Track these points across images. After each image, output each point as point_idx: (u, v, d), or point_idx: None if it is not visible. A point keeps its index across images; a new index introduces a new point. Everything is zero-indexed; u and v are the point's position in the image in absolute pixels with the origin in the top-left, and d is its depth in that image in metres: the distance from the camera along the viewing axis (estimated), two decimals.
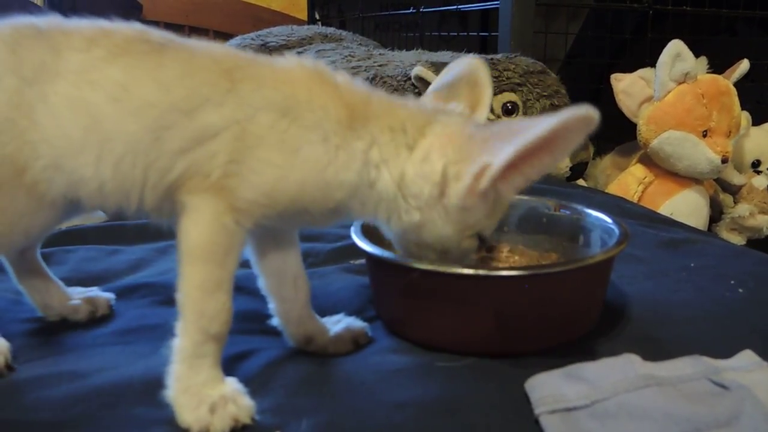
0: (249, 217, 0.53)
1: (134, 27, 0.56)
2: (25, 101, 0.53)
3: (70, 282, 0.73)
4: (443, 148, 0.54)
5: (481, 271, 0.60)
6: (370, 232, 0.66)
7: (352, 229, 0.68)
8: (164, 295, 0.75)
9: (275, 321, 0.64)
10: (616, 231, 0.67)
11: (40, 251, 0.84)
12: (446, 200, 0.54)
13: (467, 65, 0.64)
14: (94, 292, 0.72)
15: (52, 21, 0.56)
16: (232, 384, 0.53)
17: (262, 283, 0.64)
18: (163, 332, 0.64)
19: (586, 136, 0.49)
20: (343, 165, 0.54)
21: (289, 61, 0.57)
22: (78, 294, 0.70)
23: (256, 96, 0.53)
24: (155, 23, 2.39)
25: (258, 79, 0.54)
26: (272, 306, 0.64)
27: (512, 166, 0.51)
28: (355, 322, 0.65)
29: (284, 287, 0.63)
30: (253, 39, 1.93)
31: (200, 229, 0.52)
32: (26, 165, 0.53)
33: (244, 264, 0.65)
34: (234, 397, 0.51)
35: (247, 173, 0.52)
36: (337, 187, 0.54)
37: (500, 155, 0.50)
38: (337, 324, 0.65)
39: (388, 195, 0.56)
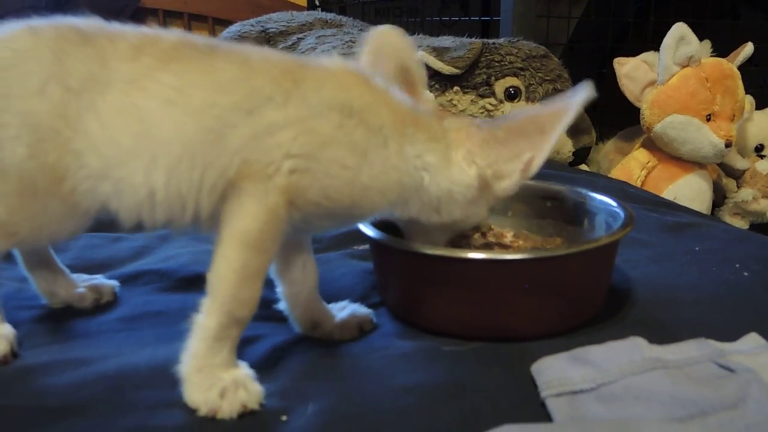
0: (301, 213, 0.53)
1: (176, 33, 0.56)
2: (70, 111, 0.52)
3: (74, 269, 0.73)
4: (468, 156, 0.57)
5: (486, 255, 0.59)
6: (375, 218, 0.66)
7: None
8: (168, 282, 0.75)
9: (282, 305, 0.64)
10: (621, 214, 0.67)
11: None
12: (488, 195, 0.59)
13: (389, 48, 0.63)
14: (99, 279, 0.72)
15: (95, 25, 0.55)
16: (244, 369, 0.53)
17: (271, 266, 0.63)
18: (167, 318, 0.65)
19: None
20: (400, 169, 0.55)
21: (334, 63, 0.57)
22: (83, 281, 0.71)
23: (320, 96, 0.53)
24: (154, 10, 2.38)
25: (319, 80, 0.54)
26: (280, 290, 0.64)
27: None
28: (360, 309, 0.65)
29: (293, 271, 0.63)
30: (252, 25, 1.91)
31: (254, 216, 0.51)
32: (66, 174, 0.53)
33: None
34: (245, 382, 0.51)
35: (320, 175, 0.52)
36: (394, 190, 0.56)
37: (542, 147, 0.56)
38: (343, 310, 0.65)
39: (435, 199, 0.58)
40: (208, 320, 0.51)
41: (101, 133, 0.52)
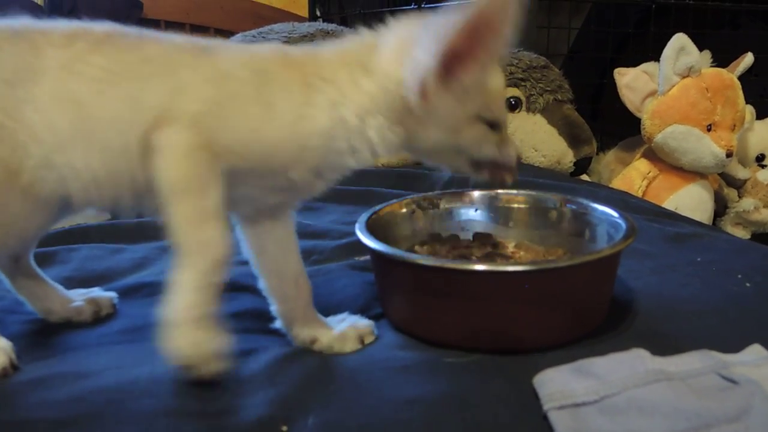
0: (224, 161, 0.54)
1: (108, 24, 0.57)
2: (9, 104, 0.53)
3: (74, 281, 0.73)
4: (395, 59, 0.56)
5: (487, 267, 0.59)
6: (375, 229, 0.66)
7: (357, 226, 0.67)
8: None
9: (278, 323, 0.64)
10: (623, 225, 0.67)
11: (43, 250, 0.84)
12: (414, 108, 0.56)
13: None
14: (96, 292, 0.72)
15: (26, 22, 0.57)
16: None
17: (263, 285, 0.64)
18: None
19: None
20: (312, 117, 0.55)
21: (253, 44, 0.61)
22: (80, 295, 0.70)
23: (230, 61, 0.56)
24: (156, 21, 2.39)
25: (231, 52, 0.58)
26: (274, 308, 0.64)
27: (459, 53, 0.53)
28: (360, 321, 0.65)
29: (286, 287, 0.63)
30: (254, 36, 1.92)
31: (175, 163, 0.53)
32: (20, 167, 0.53)
33: (245, 262, 0.65)
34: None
35: (225, 118, 0.54)
36: (313, 137, 0.56)
37: (428, 51, 0.53)
38: (342, 322, 0.64)
39: (365, 122, 0.56)
40: (187, 272, 0.52)
41: (40, 121, 0.53)
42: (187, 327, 0.52)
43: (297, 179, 0.57)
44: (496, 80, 0.59)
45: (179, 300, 0.52)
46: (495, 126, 0.60)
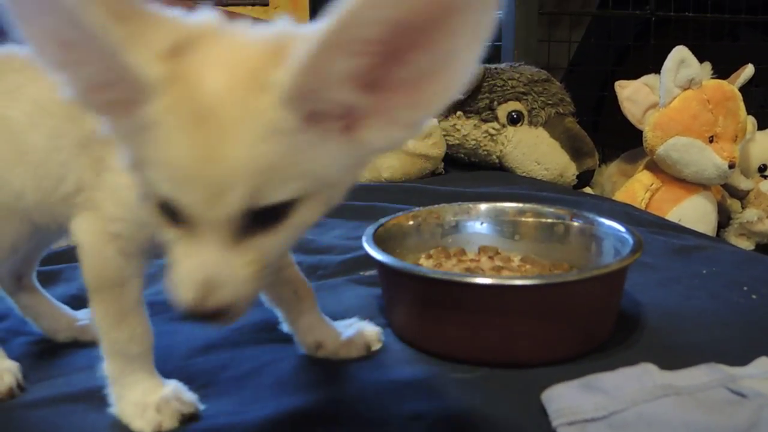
0: (129, 242, 0.51)
1: None
2: None
3: (81, 299, 0.72)
4: None
5: (493, 280, 0.59)
6: (382, 242, 0.66)
7: (364, 238, 0.68)
8: (174, 312, 0.75)
9: (284, 327, 0.64)
10: (630, 240, 0.67)
11: (48, 268, 0.84)
12: None
13: None
14: None
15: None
16: (172, 384, 0.54)
17: (264, 298, 0.64)
18: (175, 349, 0.64)
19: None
20: None
21: None
22: (86, 315, 0.70)
23: None
24: None
25: None
26: (279, 314, 0.64)
27: None
28: (368, 327, 0.65)
29: (285, 299, 0.63)
30: None
31: (87, 264, 0.52)
32: None
33: None
34: (175, 395, 0.53)
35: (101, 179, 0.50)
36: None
37: None
38: (350, 328, 0.65)
39: None
40: (109, 365, 0.53)
41: None
42: (129, 409, 0.52)
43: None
44: (172, 147, 0.37)
45: (113, 390, 0.53)
46: (171, 213, 0.39)
